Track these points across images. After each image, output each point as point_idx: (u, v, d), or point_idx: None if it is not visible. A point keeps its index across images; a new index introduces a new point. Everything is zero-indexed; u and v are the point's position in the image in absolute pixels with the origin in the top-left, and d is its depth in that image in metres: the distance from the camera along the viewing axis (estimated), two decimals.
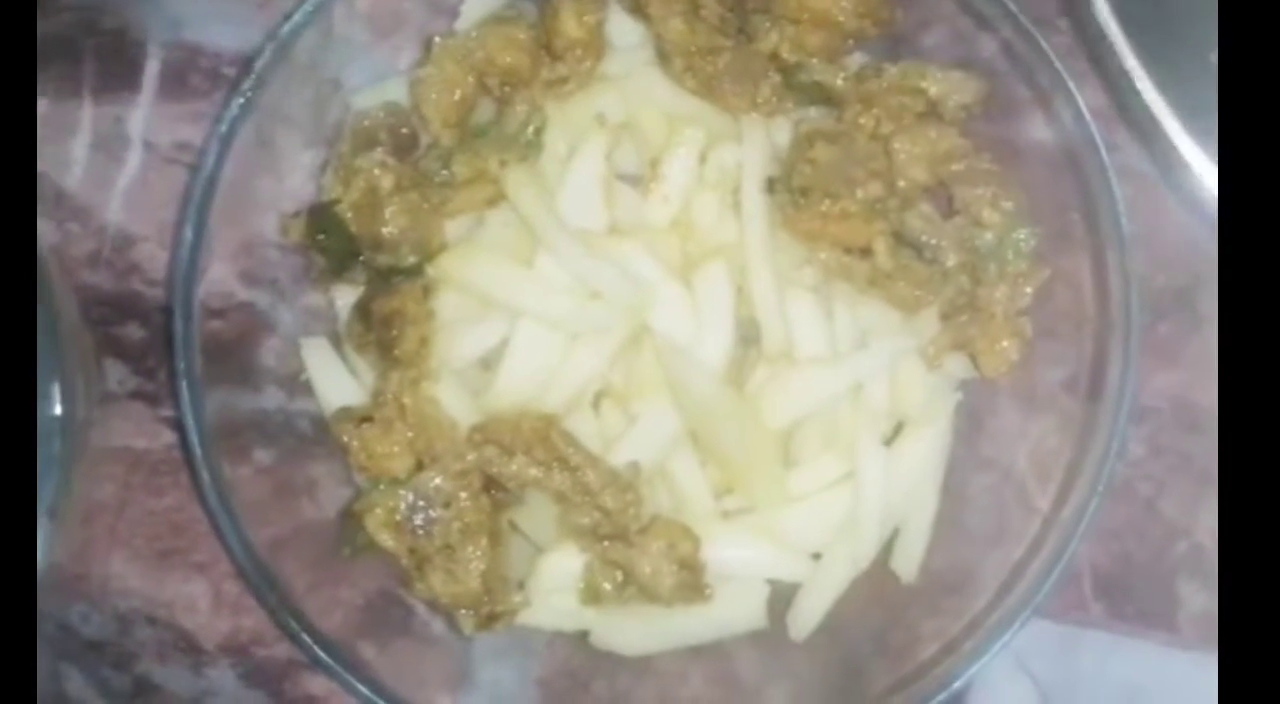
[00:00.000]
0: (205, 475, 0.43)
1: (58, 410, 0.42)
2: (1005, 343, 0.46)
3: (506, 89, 0.46)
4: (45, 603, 0.49)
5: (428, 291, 0.45)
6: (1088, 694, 0.51)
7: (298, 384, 0.48)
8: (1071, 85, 0.45)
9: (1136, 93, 0.44)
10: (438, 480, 0.44)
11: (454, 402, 0.45)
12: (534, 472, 0.43)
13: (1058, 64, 0.45)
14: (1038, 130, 0.47)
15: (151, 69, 0.52)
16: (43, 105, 0.52)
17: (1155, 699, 0.50)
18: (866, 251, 0.46)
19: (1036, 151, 0.47)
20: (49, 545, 0.41)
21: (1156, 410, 0.51)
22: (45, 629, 0.50)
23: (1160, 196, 0.48)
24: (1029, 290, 0.46)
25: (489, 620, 0.44)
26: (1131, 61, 0.44)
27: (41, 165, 0.51)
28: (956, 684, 0.44)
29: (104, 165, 0.52)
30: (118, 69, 0.52)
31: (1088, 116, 0.45)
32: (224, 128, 0.43)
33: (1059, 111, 0.45)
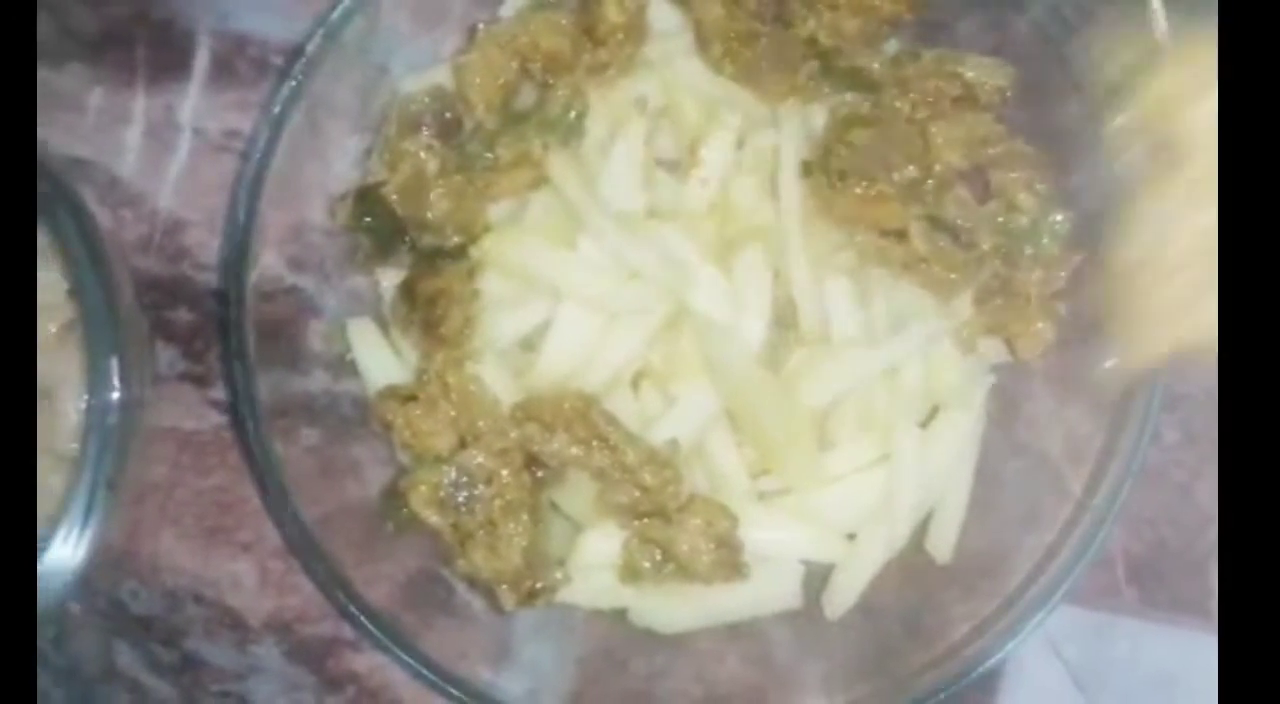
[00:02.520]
0: (258, 452, 0.44)
1: (116, 390, 0.43)
2: (1041, 325, 0.46)
3: (548, 74, 0.47)
4: (98, 579, 0.51)
5: (472, 272, 0.46)
6: (1119, 679, 0.51)
7: (342, 366, 0.49)
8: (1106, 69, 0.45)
9: None
10: (480, 458, 0.45)
11: (496, 381, 0.46)
12: (574, 450, 0.44)
13: (1092, 47, 0.45)
14: (1072, 116, 0.47)
15: (201, 59, 0.53)
16: (97, 95, 0.53)
17: (1186, 685, 0.50)
18: (902, 235, 0.46)
19: (1071, 136, 0.47)
20: (106, 517, 0.43)
21: (1190, 396, 0.51)
22: (97, 605, 0.51)
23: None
24: (1063, 274, 0.46)
25: (529, 597, 0.45)
26: None
27: (96, 153, 0.53)
28: (988, 665, 0.44)
29: (156, 153, 0.53)
30: (169, 59, 0.53)
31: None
32: (277, 110, 0.44)
33: (1093, 97, 0.45)
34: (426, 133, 0.46)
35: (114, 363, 0.43)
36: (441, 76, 0.49)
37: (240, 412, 0.44)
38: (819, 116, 0.48)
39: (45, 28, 0.52)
